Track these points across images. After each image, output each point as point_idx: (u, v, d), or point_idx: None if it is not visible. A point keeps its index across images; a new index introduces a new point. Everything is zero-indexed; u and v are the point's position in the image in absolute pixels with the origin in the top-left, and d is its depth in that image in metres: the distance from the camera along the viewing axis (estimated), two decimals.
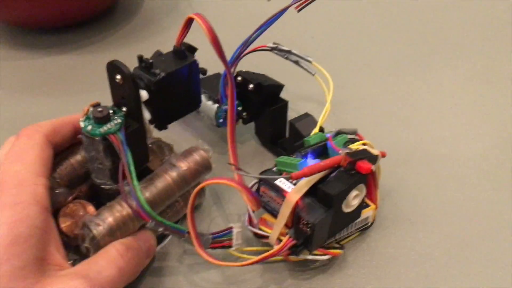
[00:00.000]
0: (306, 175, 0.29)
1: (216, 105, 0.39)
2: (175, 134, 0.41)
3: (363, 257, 0.34)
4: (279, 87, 0.40)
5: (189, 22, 0.31)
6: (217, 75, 0.42)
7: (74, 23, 0.57)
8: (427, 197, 0.38)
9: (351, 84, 0.49)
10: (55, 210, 0.31)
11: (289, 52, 0.42)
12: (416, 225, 0.36)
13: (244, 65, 0.39)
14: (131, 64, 0.53)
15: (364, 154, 0.30)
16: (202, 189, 0.36)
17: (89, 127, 0.29)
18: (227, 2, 0.63)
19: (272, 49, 0.42)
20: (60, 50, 0.55)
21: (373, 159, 0.30)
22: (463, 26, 0.58)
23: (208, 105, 0.39)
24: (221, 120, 0.39)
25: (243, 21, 0.60)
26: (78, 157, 0.34)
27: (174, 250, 0.35)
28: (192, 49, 0.33)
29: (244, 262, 0.30)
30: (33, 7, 0.51)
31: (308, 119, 0.38)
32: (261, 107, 0.40)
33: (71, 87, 0.50)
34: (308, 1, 0.36)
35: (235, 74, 0.39)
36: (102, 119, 0.29)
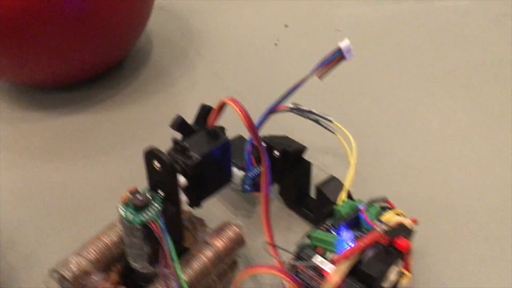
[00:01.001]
0: (347, 258, 0.29)
1: (242, 172, 0.39)
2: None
3: None
4: (302, 150, 0.41)
5: (223, 105, 0.31)
6: (240, 139, 0.42)
7: (83, 81, 0.57)
8: (459, 257, 0.38)
9: (369, 138, 0.49)
10: None
11: (309, 112, 0.43)
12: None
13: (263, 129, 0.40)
14: (146, 121, 0.54)
15: (401, 230, 0.30)
16: (235, 264, 0.36)
17: (130, 216, 0.29)
18: (234, 49, 0.64)
19: (292, 110, 0.43)
20: (70, 109, 0.54)
21: (409, 233, 0.31)
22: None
23: (234, 171, 0.40)
24: (247, 187, 0.39)
25: (252, 66, 0.61)
26: (114, 238, 0.34)
27: None
28: (221, 129, 0.34)
29: None
30: (43, 68, 0.51)
31: (334, 182, 0.39)
32: (285, 170, 0.40)
33: (85, 149, 0.49)
34: (329, 69, 0.37)
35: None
36: (142, 207, 0.29)
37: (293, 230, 0.41)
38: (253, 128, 0.29)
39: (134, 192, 0.30)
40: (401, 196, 0.38)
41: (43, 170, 0.47)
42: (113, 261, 0.34)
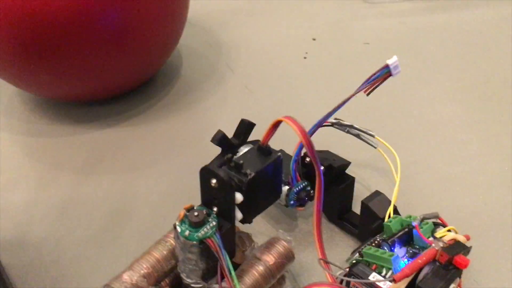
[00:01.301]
0: (408, 276, 0.29)
1: (287, 187, 0.39)
2: None
3: None
4: (346, 165, 0.41)
5: (277, 123, 0.31)
6: (283, 154, 0.42)
7: (117, 95, 0.57)
8: (506, 274, 0.38)
9: (409, 152, 0.49)
10: None
11: (350, 126, 0.43)
12: None
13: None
14: (178, 135, 0.54)
15: (458, 247, 0.30)
16: (283, 279, 0.36)
17: (187, 232, 0.29)
18: (263, 62, 0.64)
19: (333, 125, 0.43)
20: (105, 123, 0.55)
21: (466, 251, 0.30)
22: None
23: None
24: (292, 202, 0.39)
25: (282, 79, 0.61)
26: (164, 253, 0.34)
27: None
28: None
29: None
30: (80, 83, 0.52)
31: (380, 197, 0.38)
32: (329, 185, 0.40)
33: (120, 163, 0.50)
34: (376, 85, 0.37)
35: (302, 155, 0.40)
36: (199, 224, 0.29)
37: (336, 245, 0.40)
38: (310, 145, 0.29)
39: (190, 209, 0.30)
40: (444, 210, 0.37)
41: (80, 184, 0.47)
42: (163, 276, 0.34)
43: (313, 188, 0.40)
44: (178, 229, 0.30)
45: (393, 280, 0.28)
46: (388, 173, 0.41)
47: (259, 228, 0.42)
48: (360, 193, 0.43)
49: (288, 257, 0.34)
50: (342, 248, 0.40)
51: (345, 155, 0.41)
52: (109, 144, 0.52)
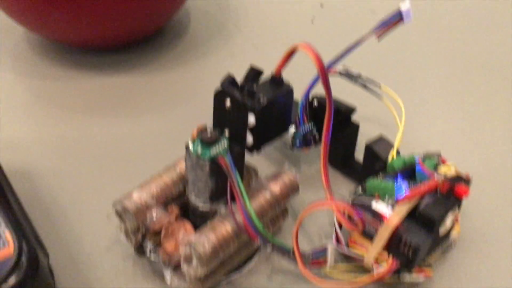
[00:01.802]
0: (410, 199, 0.30)
1: (293, 128, 0.40)
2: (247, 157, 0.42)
3: (447, 276, 0.35)
4: (352, 110, 0.42)
5: (292, 52, 0.32)
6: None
7: (126, 44, 0.58)
8: (502, 216, 0.39)
9: (413, 103, 0.50)
10: (157, 229, 0.32)
11: (358, 76, 0.43)
12: (494, 245, 0.37)
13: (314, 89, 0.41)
14: (187, 84, 0.55)
15: (460, 178, 0.31)
16: (286, 211, 0.37)
17: (199, 150, 0.30)
18: (271, 24, 0.65)
19: (341, 73, 0.44)
20: (114, 71, 0.55)
21: (467, 182, 0.32)
22: None
23: None
24: (298, 143, 0.40)
25: (289, 41, 0.61)
26: (174, 177, 0.35)
27: (263, 267, 0.36)
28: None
29: (354, 284, 0.31)
30: (91, 28, 0.52)
31: (383, 142, 0.39)
32: (334, 130, 0.41)
33: (128, 108, 0.50)
34: (388, 29, 0.38)
35: (310, 100, 0.41)
36: (211, 142, 0.30)
37: (338, 188, 0.42)
38: (323, 71, 0.30)
39: (203, 129, 0.31)
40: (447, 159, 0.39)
41: (88, 125, 0.48)
42: (171, 200, 0.35)
43: (319, 131, 0.42)
44: (191, 147, 0.31)
45: (396, 202, 0.29)
46: (393, 125, 0.42)
47: (262, 169, 0.43)
48: (363, 143, 0.44)
49: (293, 189, 0.35)
50: (345, 193, 0.42)
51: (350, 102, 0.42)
52: (115, 90, 0.53)
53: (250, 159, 0.42)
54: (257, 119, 0.31)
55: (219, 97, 0.30)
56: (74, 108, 0.51)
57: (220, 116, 0.31)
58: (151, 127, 0.48)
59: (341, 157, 0.43)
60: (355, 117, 0.43)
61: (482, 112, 0.50)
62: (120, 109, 0.51)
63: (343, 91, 0.44)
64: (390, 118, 0.42)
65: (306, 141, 0.41)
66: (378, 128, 0.46)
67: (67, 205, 0.40)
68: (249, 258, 0.36)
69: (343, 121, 0.42)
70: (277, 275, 0.35)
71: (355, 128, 0.42)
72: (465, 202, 0.40)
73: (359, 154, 0.42)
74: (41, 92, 0.53)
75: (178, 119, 0.50)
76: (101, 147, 0.46)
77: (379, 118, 0.48)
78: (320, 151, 0.42)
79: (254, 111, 0.31)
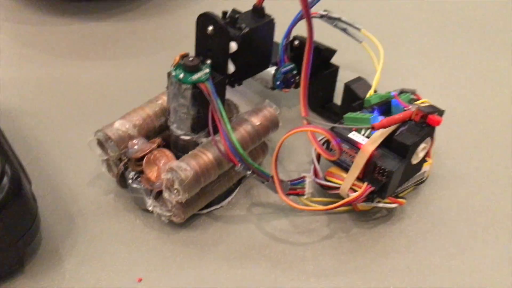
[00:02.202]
0: (385, 126, 0.31)
1: (274, 68, 0.41)
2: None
3: (420, 209, 0.37)
4: (333, 52, 0.42)
5: None
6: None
7: None
8: (472, 155, 0.41)
9: (392, 50, 0.51)
10: (139, 157, 0.33)
11: (338, 19, 0.44)
12: (464, 182, 0.39)
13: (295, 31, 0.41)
14: (170, 31, 0.55)
15: (433, 109, 0.32)
16: (266, 147, 0.38)
17: (181, 75, 0.31)
18: None
19: (322, 17, 0.44)
20: (95, 17, 0.55)
21: (440, 113, 0.33)
22: None
23: None
24: (278, 83, 0.41)
25: None
26: (156, 109, 0.35)
27: (242, 201, 0.36)
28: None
29: (330, 206, 0.32)
30: None
31: (361, 82, 0.40)
32: (314, 71, 0.42)
33: (110, 53, 0.50)
34: None
35: (291, 39, 0.41)
36: (193, 68, 0.31)
37: None
38: (305, 1, 0.30)
39: (185, 56, 0.31)
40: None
41: (70, 68, 0.48)
42: (154, 133, 0.35)
43: (299, 71, 0.42)
44: (173, 73, 0.31)
45: (372, 128, 0.30)
46: (372, 70, 0.42)
47: (243, 107, 0.43)
48: (343, 88, 0.45)
49: (273, 122, 0.36)
50: None
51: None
52: (99, 36, 0.52)
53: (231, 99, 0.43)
54: (238, 48, 0.32)
55: (201, 22, 0.30)
56: (57, 52, 0.50)
57: (202, 43, 0.31)
58: (133, 70, 0.48)
59: (320, 99, 0.43)
60: (335, 62, 0.43)
61: (458, 56, 0.52)
62: (102, 53, 0.50)
63: (324, 37, 0.45)
64: (369, 65, 0.43)
65: (287, 81, 0.41)
66: (357, 74, 0.47)
67: (49, 142, 0.40)
68: (229, 192, 0.37)
69: (323, 62, 0.42)
70: (256, 207, 0.36)
71: (334, 69, 0.43)
72: (438, 142, 0.41)
73: (339, 99, 0.42)
74: (24, 37, 0.52)
75: (161, 63, 0.49)
76: (82, 88, 0.46)
77: (359, 64, 0.49)
78: (300, 93, 0.43)
79: (235, 38, 0.31)
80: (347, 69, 0.48)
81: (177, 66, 0.31)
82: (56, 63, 0.48)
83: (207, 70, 0.31)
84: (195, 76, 0.31)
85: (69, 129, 0.41)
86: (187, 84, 0.31)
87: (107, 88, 0.46)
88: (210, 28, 0.30)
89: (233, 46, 0.31)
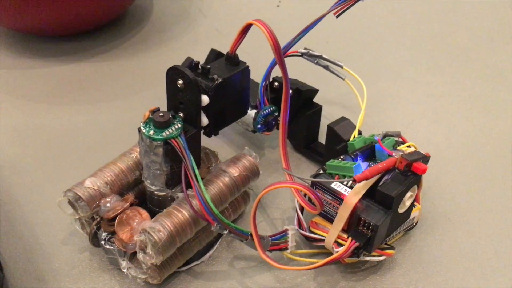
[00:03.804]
0: (368, 178, 0.29)
1: (254, 111, 0.39)
2: (208, 143, 0.41)
3: (410, 257, 0.35)
4: (315, 91, 0.41)
5: (246, 28, 0.31)
6: (251, 82, 0.42)
7: (84, 31, 0.56)
8: (463, 195, 0.39)
9: (376, 86, 0.50)
10: (111, 217, 0.31)
11: (319, 57, 0.43)
12: (456, 224, 0.37)
13: (274, 71, 0.40)
14: (148, 72, 0.54)
15: (418, 156, 0.31)
16: (248, 196, 0.36)
17: (151, 132, 0.29)
18: (236, 9, 0.64)
19: (303, 55, 0.43)
20: (72, 58, 0.54)
21: (425, 160, 0.31)
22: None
23: None
24: (259, 126, 0.39)
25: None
26: (129, 163, 0.33)
27: (224, 255, 0.35)
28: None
29: (312, 265, 0.30)
30: (44, 14, 0.50)
31: (345, 122, 0.39)
32: (297, 111, 0.41)
33: (87, 96, 0.49)
34: (346, 7, 0.37)
35: (271, 80, 0.40)
36: (164, 124, 0.29)
37: (302, 172, 0.41)
38: (278, 47, 0.29)
39: (155, 111, 0.30)
40: (408, 139, 0.39)
41: (45, 114, 0.46)
42: (127, 187, 0.33)
43: (279, 113, 0.41)
44: (143, 129, 0.29)
45: (354, 181, 0.28)
46: (356, 106, 0.41)
47: (225, 155, 0.42)
48: (327, 124, 0.43)
49: (253, 171, 0.35)
50: (308, 175, 0.41)
51: (313, 85, 0.42)
52: (75, 78, 0.51)
53: (211, 144, 0.41)
54: (211, 99, 0.30)
55: (171, 75, 0.29)
56: (30, 96, 0.49)
57: (174, 96, 0.30)
58: (111, 114, 0.47)
59: (304, 139, 0.42)
60: (319, 101, 0.42)
61: (445, 95, 0.50)
62: (77, 96, 0.49)
63: (306, 74, 0.44)
64: (353, 101, 0.42)
65: (268, 124, 0.40)
66: (341, 112, 0.46)
67: (21, 196, 0.38)
68: (210, 246, 0.35)
69: (306, 102, 0.41)
70: (238, 262, 0.34)
71: (317, 109, 0.41)
72: (427, 182, 0.40)
73: (324, 137, 0.41)
74: None
75: (139, 106, 0.48)
76: (57, 136, 0.44)
77: (342, 101, 0.48)
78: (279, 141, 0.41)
79: (208, 90, 0.30)
80: (332, 105, 0.47)
81: (147, 122, 0.30)
82: (29, 108, 0.47)
83: (179, 125, 0.30)
84: (166, 132, 0.29)
85: (42, 182, 0.40)
86: (158, 141, 0.29)
87: (83, 135, 0.44)
88: (180, 82, 0.29)
89: (205, 100, 0.30)
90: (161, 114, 0.29)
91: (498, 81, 0.52)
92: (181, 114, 0.31)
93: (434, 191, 0.39)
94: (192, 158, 0.29)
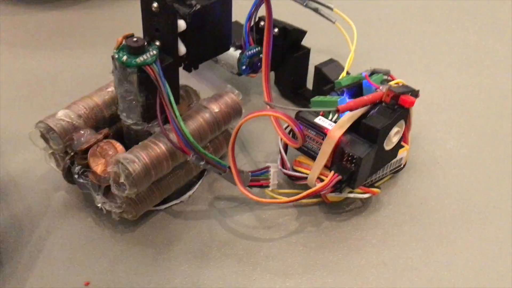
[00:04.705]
0: (352, 109, 0.28)
1: (239, 51, 0.38)
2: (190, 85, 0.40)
3: (397, 199, 0.34)
4: (303, 33, 0.39)
5: None
6: (236, 23, 0.41)
7: None
8: (453, 141, 0.38)
9: (369, 35, 0.49)
10: (84, 150, 0.30)
11: None
12: (445, 168, 0.36)
13: (260, 12, 0.38)
14: (130, 20, 0.51)
15: (406, 89, 0.29)
16: (229, 136, 0.35)
17: (124, 57, 0.28)
18: None
19: None
20: (53, 5, 0.52)
21: (414, 94, 0.30)
22: None
23: (230, 52, 0.38)
24: (244, 67, 0.38)
25: None
26: (105, 97, 0.32)
27: (204, 195, 0.34)
28: None
29: (293, 198, 0.29)
30: None
31: (333, 64, 0.37)
32: (284, 54, 0.39)
33: (67, 42, 0.47)
34: None
35: (257, 20, 0.38)
36: (138, 50, 0.28)
37: None
38: None
39: (130, 36, 0.28)
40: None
41: (25, 60, 0.45)
42: (103, 122, 0.32)
43: None
44: (116, 55, 0.28)
45: (337, 110, 0.27)
46: (346, 52, 0.40)
47: (207, 95, 0.40)
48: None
49: (235, 109, 0.33)
50: None
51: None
52: (52, 25, 0.49)
53: (194, 86, 0.39)
54: (189, 26, 0.29)
55: None
56: (6, 41, 0.47)
57: (149, 22, 0.29)
58: (89, 60, 0.45)
59: (291, 84, 0.40)
60: (307, 45, 0.40)
61: (439, 45, 0.48)
62: (55, 43, 0.47)
63: (294, 18, 0.42)
64: (343, 47, 0.40)
65: (253, 65, 0.38)
66: (331, 56, 0.44)
67: None
68: (190, 186, 0.34)
69: (293, 44, 0.39)
70: (219, 202, 0.33)
71: (305, 52, 0.40)
72: (417, 128, 0.39)
73: (312, 84, 0.39)
74: None
75: None
76: (33, 79, 0.42)
77: (332, 46, 0.46)
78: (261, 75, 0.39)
79: (185, 16, 0.28)
80: (320, 52, 0.45)
81: (120, 47, 0.28)
82: (5, 53, 0.45)
83: (154, 52, 0.28)
84: (140, 59, 0.28)
85: (19, 121, 0.38)
86: (131, 68, 0.28)
87: (60, 78, 0.43)
88: (155, 5, 0.27)
89: (182, 25, 0.28)
90: (134, 39, 0.28)
91: (495, 33, 0.50)
92: (157, 43, 0.29)
93: (424, 137, 0.38)
94: (168, 87, 0.28)
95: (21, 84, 0.42)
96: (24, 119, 0.38)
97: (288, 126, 0.33)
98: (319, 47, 0.46)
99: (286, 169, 0.33)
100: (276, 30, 0.37)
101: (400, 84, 0.32)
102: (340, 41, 0.40)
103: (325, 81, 0.37)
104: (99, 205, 0.30)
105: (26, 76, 0.43)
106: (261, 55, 0.38)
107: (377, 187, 0.33)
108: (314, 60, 0.42)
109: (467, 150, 0.38)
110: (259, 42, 0.38)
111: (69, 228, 0.32)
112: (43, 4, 0.51)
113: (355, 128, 0.29)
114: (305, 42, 0.40)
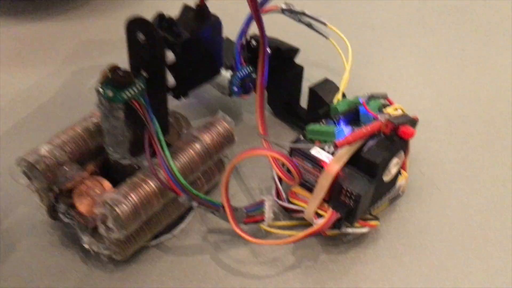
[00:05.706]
0: (350, 143, 0.27)
1: (229, 72, 0.36)
2: (180, 108, 0.38)
3: (395, 228, 0.33)
4: (295, 51, 0.38)
5: None
6: (227, 40, 0.39)
7: None
8: (452, 163, 0.37)
9: (363, 47, 0.47)
10: (69, 188, 0.28)
11: (302, 13, 0.39)
12: (444, 194, 0.35)
13: (252, 28, 0.37)
14: (113, 32, 0.49)
15: (405, 119, 0.28)
16: (222, 165, 0.34)
17: (110, 93, 0.26)
18: None
19: (283, 11, 0.40)
20: (34, 17, 0.49)
21: (412, 123, 0.29)
22: None
23: (221, 72, 0.37)
24: (235, 89, 0.36)
25: None
26: (90, 128, 0.30)
27: (197, 228, 0.32)
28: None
29: (288, 239, 0.28)
30: None
31: (328, 85, 0.36)
32: (276, 73, 0.38)
33: (49, 56, 0.45)
34: None
35: (249, 39, 0.37)
36: (124, 84, 0.26)
37: (282, 139, 0.38)
38: (255, 2, 0.26)
39: (114, 69, 0.27)
40: (395, 101, 0.36)
41: (4, 76, 0.43)
42: (88, 154, 0.30)
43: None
44: (101, 90, 0.26)
45: (335, 146, 0.26)
46: (340, 68, 0.38)
47: (199, 122, 0.38)
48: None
49: (227, 138, 0.32)
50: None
51: (295, 45, 0.39)
52: (36, 38, 0.47)
53: (183, 110, 0.38)
54: (179, 57, 0.27)
55: (132, 28, 0.26)
56: None
57: (135, 53, 0.27)
58: (72, 78, 0.43)
59: (285, 104, 0.39)
60: (300, 62, 0.39)
61: (435, 56, 0.47)
62: (38, 58, 0.45)
63: (287, 33, 0.40)
64: (337, 62, 0.39)
65: (245, 86, 0.37)
66: (325, 74, 0.42)
67: None
68: (181, 219, 0.32)
69: (286, 63, 0.38)
70: (212, 235, 0.32)
71: (298, 70, 0.38)
72: (414, 149, 0.37)
73: (306, 103, 0.38)
74: None
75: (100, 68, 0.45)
76: (16, 100, 0.40)
77: (326, 63, 0.44)
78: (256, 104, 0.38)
79: (174, 47, 0.27)
80: (314, 67, 0.44)
81: (106, 82, 0.26)
82: None
83: (142, 85, 0.27)
84: (127, 93, 0.26)
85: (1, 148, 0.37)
86: (117, 103, 0.26)
87: (44, 99, 0.41)
88: (141, 37, 0.26)
89: (171, 57, 0.26)
90: (121, 73, 0.26)
91: (492, 42, 0.49)
92: (144, 74, 0.27)
93: (422, 158, 0.37)
94: (156, 122, 0.26)
95: (3, 105, 0.40)
96: (7, 145, 0.37)
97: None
98: (313, 60, 0.44)
99: (281, 200, 0.31)
100: (268, 50, 0.36)
101: (399, 112, 0.30)
102: (334, 55, 0.39)
103: (320, 103, 0.35)
104: (86, 246, 0.29)
105: (7, 96, 0.41)
106: (253, 75, 0.37)
107: (375, 215, 0.32)
108: (308, 75, 0.40)
109: (465, 171, 0.37)
110: (251, 62, 0.36)
111: (55, 266, 0.30)
112: (25, 15, 0.49)
113: (353, 160, 0.28)
114: (299, 55, 0.38)
